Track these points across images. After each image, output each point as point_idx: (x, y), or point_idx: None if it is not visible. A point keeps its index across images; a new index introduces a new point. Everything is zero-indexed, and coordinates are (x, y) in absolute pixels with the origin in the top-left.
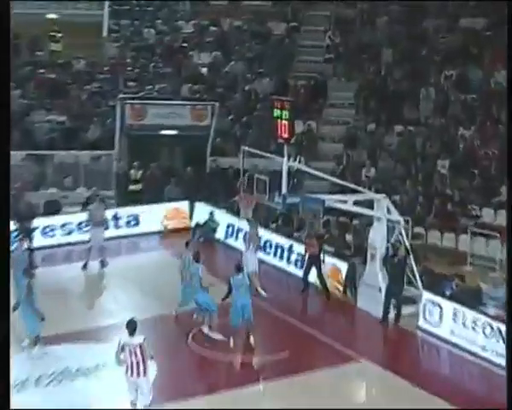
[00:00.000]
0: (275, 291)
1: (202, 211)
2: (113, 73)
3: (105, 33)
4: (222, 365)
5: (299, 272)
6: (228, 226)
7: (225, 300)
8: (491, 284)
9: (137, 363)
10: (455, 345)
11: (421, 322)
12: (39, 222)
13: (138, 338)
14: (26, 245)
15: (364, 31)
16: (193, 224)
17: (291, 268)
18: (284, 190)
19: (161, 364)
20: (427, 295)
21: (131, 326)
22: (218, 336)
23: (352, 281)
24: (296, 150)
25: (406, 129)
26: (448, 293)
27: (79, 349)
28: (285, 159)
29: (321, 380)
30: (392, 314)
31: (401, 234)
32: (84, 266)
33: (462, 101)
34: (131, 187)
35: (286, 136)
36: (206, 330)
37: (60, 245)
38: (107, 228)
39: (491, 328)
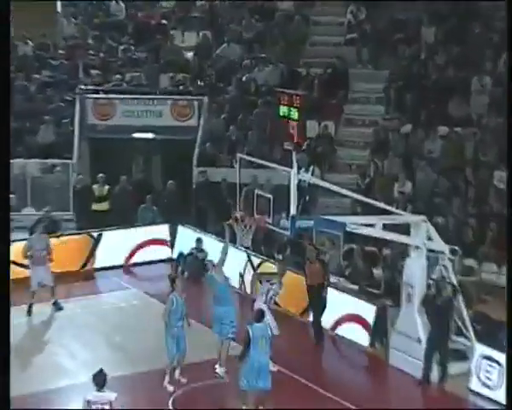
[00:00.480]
0: (283, 343)
1: (187, 237)
2: (71, 58)
3: (59, 7)
4: None
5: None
6: None
7: (243, 358)
8: None
9: None
10: None
11: (473, 384)
12: None
13: (109, 395)
14: None
15: (398, 3)
16: (175, 254)
17: None
18: (293, 210)
19: None
20: (481, 349)
21: (100, 378)
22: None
23: (381, 329)
24: (308, 159)
25: (453, 131)
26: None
27: None
28: (294, 170)
29: None
30: (435, 373)
31: (446, 268)
32: (29, 312)
33: None
34: (95, 206)
35: (295, 140)
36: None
37: None
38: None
39: None
